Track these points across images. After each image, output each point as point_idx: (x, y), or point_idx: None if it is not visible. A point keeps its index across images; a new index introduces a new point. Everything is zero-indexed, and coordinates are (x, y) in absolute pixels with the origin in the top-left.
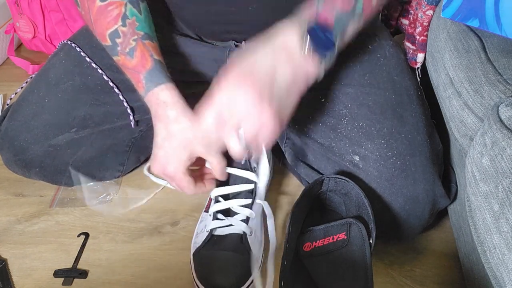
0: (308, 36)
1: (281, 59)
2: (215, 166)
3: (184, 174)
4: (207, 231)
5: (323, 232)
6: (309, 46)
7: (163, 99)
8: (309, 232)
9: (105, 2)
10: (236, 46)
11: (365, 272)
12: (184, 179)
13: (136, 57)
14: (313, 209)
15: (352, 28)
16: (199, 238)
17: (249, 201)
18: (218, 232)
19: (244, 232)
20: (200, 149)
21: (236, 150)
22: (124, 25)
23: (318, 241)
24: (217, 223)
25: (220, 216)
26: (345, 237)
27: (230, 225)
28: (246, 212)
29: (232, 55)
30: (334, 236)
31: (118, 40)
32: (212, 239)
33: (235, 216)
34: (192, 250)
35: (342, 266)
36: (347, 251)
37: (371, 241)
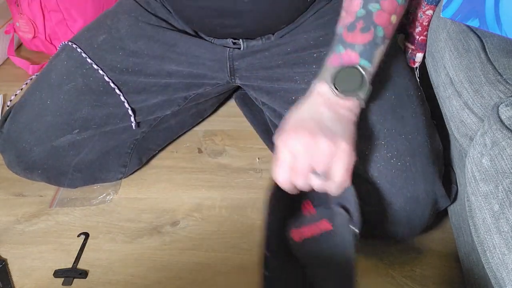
0: (333, 85)
1: (319, 103)
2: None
3: None
4: None
5: (307, 220)
6: (337, 90)
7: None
8: (293, 219)
9: None
10: (234, 43)
11: (349, 262)
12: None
13: None
14: (295, 201)
15: (379, 52)
16: None
17: None
18: None
19: None
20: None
21: (322, 186)
22: None
23: (303, 229)
24: None
25: None
26: (331, 227)
27: None
28: None
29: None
30: (319, 225)
31: None
32: None
33: None
34: None
35: (327, 255)
36: (332, 240)
37: (357, 230)
